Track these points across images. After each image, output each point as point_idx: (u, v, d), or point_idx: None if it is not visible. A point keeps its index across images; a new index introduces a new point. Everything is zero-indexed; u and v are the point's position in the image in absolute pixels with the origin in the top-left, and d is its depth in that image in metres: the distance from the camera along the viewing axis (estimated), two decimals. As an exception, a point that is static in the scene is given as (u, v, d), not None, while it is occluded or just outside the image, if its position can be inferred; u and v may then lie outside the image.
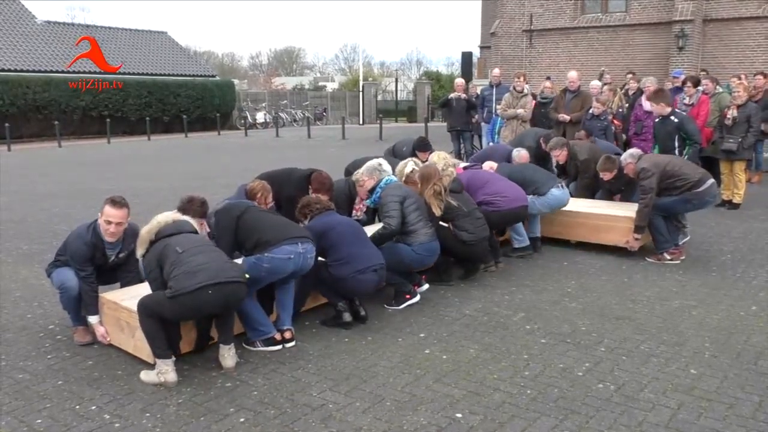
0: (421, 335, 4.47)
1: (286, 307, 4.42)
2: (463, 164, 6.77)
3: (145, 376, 3.81)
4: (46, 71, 26.33)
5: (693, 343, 4.24)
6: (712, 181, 6.12)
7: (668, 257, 6.12)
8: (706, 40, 19.55)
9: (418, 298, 5.09)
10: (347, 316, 4.61)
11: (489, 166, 6.79)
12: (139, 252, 4.01)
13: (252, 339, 4.24)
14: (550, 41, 21.91)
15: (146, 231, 3.97)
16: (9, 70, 25.29)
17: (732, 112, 8.64)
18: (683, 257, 6.18)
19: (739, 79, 10.79)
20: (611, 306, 5.00)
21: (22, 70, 25.76)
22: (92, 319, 4.30)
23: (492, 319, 4.75)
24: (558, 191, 6.42)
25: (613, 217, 6.51)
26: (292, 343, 4.30)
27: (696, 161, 7.32)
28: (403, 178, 5.71)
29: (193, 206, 4.50)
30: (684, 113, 8.09)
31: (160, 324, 3.77)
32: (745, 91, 8.81)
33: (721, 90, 10.05)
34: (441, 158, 6.05)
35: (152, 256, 3.88)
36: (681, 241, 6.44)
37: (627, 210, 6.47)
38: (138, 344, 4.03)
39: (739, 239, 7.07)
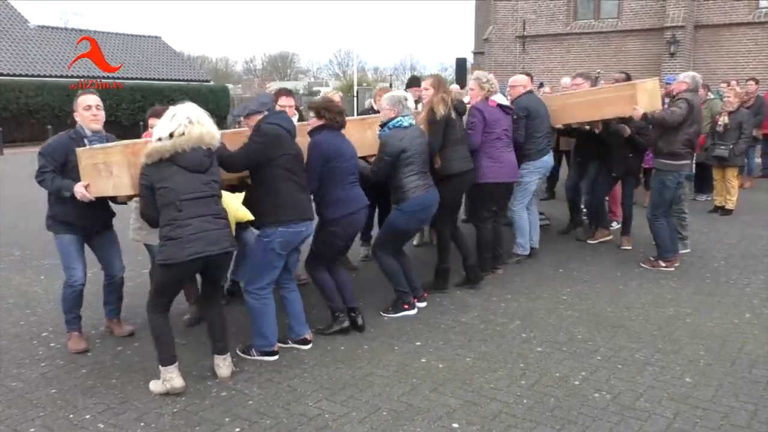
0: (417, 343, 4.47)
1: (298, 316, 4.43)
2: (500, 100, 5.92)
3: (154, 386, 3.78)
4: (39, 76, 26.20)
5: (688, 351, 4.26)
6: (686, 161, 6.05)
7: (663, 264, 6.14)
8: (698, 46, 19.72)
9: (415, 311, 5.05)
10: (345, 322, 4.61)
11: (521, 83, 6.48)
12: (143, 161, 3.69)
13: (251, 347, 4.24)
14: (543, 47, 22.04)
15: (160, 146, 3.63)
16: (1, 75, 25.14)
17: (723, 119, 8.69)
18: (677, 264, 6.21)
19: (728, 84, 10.84)
20: (606, 314, 5.01)
21: (14, 75, 25.62)
22: (75, 187, 4.09)
23: (488, 327, 4.75)
24: (546, 156, 6.43)
25: (612, 87, 6.52)
26: (309, 345, 4.38)
27: None
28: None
29: (158, 110, 4.35)
30: None
31: (169, 326, 3.80)
32: (736, 98, 8.86)
33: (712, 96, 10.10)
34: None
35: (152, 176, 3.66)
36: (680, 251, 6.46)
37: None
38: (117, 181, 3.83)
39: (733, 245, 7.10)
